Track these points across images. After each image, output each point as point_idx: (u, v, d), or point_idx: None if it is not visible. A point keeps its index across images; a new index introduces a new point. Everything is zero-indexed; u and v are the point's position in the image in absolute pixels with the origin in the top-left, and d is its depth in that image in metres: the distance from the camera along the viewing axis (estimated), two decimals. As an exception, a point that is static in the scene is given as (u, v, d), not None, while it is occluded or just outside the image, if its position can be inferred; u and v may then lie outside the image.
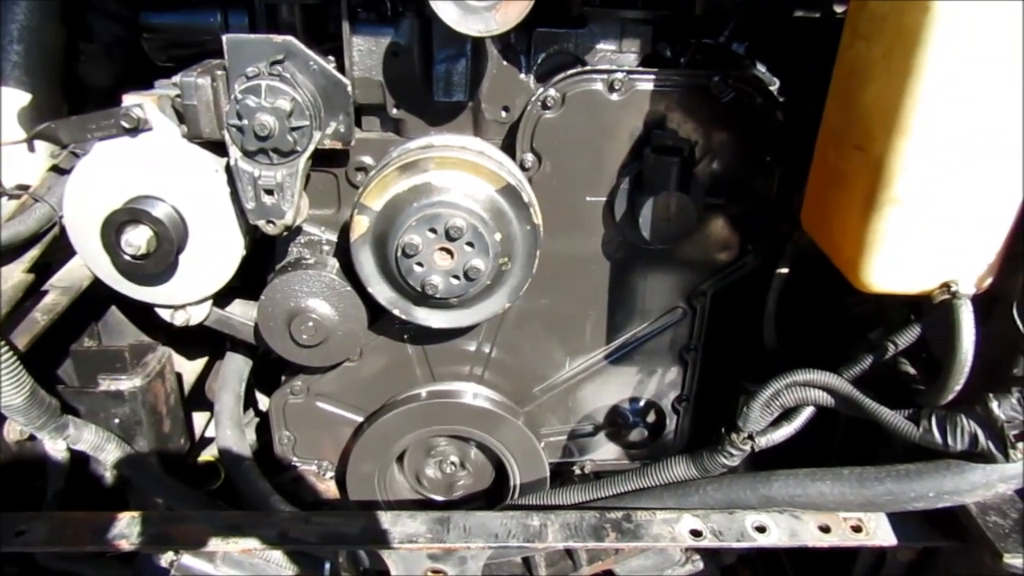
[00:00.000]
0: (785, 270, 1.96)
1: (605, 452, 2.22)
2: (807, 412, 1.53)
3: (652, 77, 1.70)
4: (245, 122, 1.56)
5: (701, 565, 2.16)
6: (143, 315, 2.08)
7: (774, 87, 1.80)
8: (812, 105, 1.61)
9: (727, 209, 1.87)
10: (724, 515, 1.45)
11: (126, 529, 1.34)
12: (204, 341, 2.34)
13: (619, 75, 1.68)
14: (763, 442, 1.52)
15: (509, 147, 1.78)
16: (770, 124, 1.75)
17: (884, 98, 1.18)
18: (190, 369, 2.50)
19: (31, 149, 2.09)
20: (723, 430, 1.58)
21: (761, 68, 1.86)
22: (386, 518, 1.39)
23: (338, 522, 1.37)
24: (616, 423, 2.15)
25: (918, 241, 1.23)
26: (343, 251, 1.85)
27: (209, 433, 2.49)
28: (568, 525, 1.41)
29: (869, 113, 1.22)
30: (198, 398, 2.47)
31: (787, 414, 1.54)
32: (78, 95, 2.23)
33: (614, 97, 1.71)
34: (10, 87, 2.03)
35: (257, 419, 2.56)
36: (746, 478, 1.51)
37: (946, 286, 1.27)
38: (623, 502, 1.65)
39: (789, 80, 1.83)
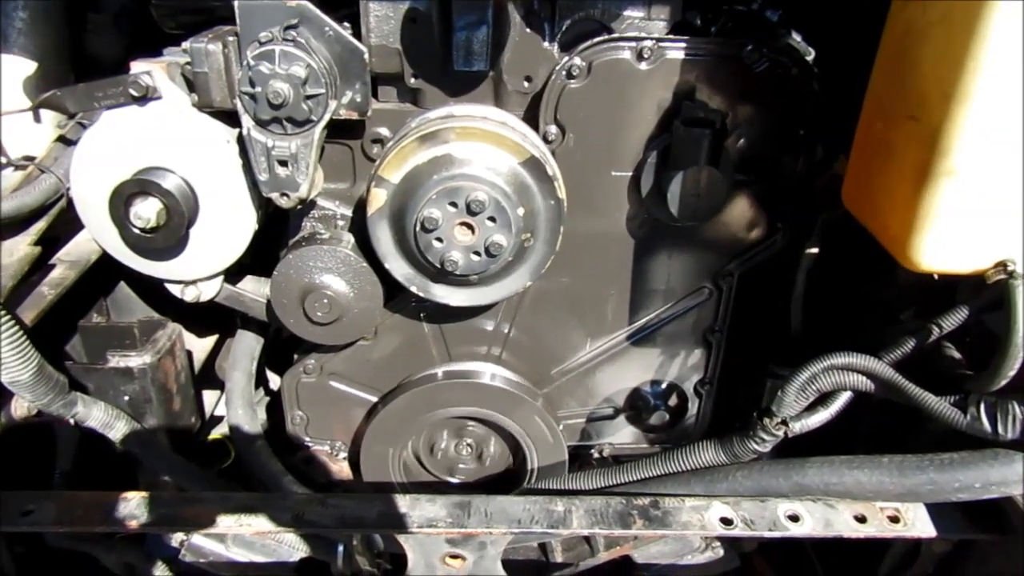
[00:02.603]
0: (815, 249, 1.89)
1: (624, 435, 2.16)
2: (844, 397, 1.46)
3: (683, 45, 1.62)
4: (258, 89, 1.50)
5: (721, 552, 2.11)
6: (153, 290, 2.03)
7: (810, 57, 1.72)
8: (853, 74, 1.54)
9: (757, 186, 1.80)
10: (755, 503, 1.39)
11: (136, 510, 1.29)
12: (214, 318, 2.29)
13: (648, 43, 1.60)
14: (797, 428, 1.46)
15: (531, 119, 1.70)
16: (805, 96, 1.67)
17: (942, 63, 1.10)
18: (200, 347, 2.46)
19: (37, 119, 2.05)
20: (755, 415, 1.52)
21: (796, 37, 1.77)
22: (405, 502, 1.34)
23: (355, 505, 1.33)
24: (636, 406, 2.09)
25: (974, 216, 1.16)
26: (358, 226, 1.79)
27: (219, 412, 2.45)
28: (593, 511, 1.35)
29: (924, 80, 1.14)
30: (208, 376, 2.43)
31: (823, 399, 1.47)
32: (86, 66, 2.18)
33: (642, 66, 1.63)
34: (15, 55, 1.97)
35: (268, 398, 2.52)
36: (778, 465, 1.44)
37: (1002, 265, 1.19)
38: (648, 487, 1.59)
39: (826, 49, 1.74)
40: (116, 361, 1.82)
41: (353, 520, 1.30)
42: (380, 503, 1.33)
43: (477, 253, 1.59)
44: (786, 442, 1.52)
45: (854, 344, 1.89)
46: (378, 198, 1.61)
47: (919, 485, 1.33)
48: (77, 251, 1.90)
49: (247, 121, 1.56)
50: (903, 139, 1.21)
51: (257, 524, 1.27)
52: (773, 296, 1.95)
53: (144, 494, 1.33)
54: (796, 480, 1.41)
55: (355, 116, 1.62)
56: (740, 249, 1.89)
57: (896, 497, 1.36)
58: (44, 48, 2.03)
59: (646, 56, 1.61)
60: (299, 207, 1.67)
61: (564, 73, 1.63)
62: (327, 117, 1.55)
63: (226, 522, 1.27)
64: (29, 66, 1.98)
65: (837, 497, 1.38)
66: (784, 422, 1.46)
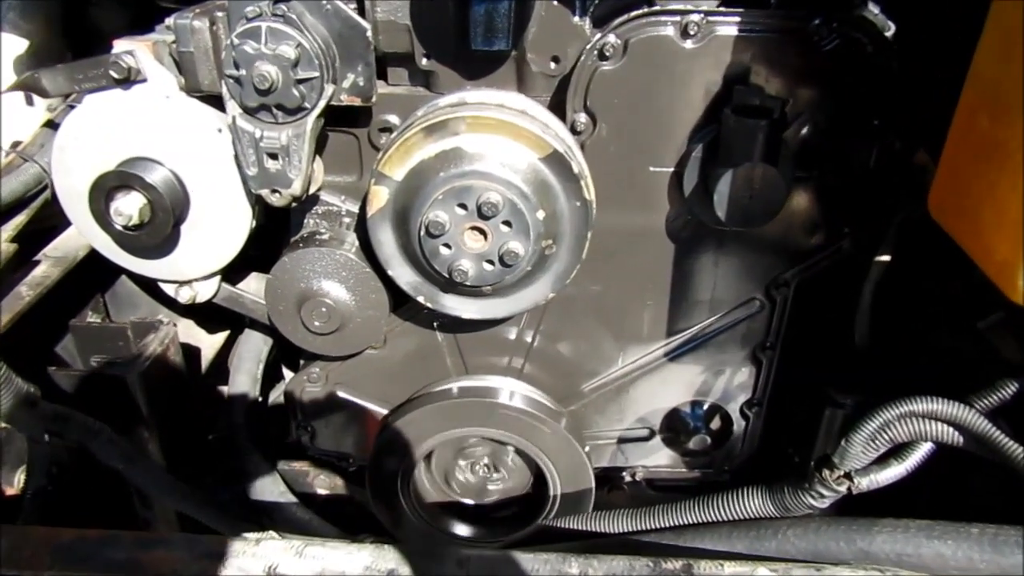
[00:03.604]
0: (887, 257, 1.64)
1: (659, 459, 1.95)
2: (923, 450, 1.22)
3: (736, 20, 1.38)
4: (243, 72, 1.33)
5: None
6: (155, 285, 1.89)
7: (889, 32, 1.45)
8: (944, 53, 1.28)
9: (821, 183, 1.55)
10: (809, 571, 1.16)
11: (92, 551, 1.14)
12: (228, 311, 2.15)
13: (695, 17, 1.37)
14: (864, 484, 1.22)
15: (558, 105, 1.49)
16: (882, 78, 1.42)
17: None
18: (212, 342, 2.33)
19: (29, 102, 1.91)
20: (813, 464, 1.28)
21: (873, 8, 1.51)
22: (394, 555, 1.16)
23: (337, 556, 1.15)
24: (674, 428, 1.88)
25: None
26: (364, 225, 1.60)
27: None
28: (614, 575, 1.15)
29: (1053, 63, 0.89)
30: (223, 370, 2.30)
31: (896, 450, 1.23)
32: (88, 42, 2.03)
33: (688, 45, 1.40)
34: (5, 31, 1.84)
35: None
36: (839, 525, 1.20)
37: None
38: (682, 536, 1.38)
39: (909, 22, 1.47)
40: (99, 367, 1.67)
41: (334, 575, 1.13)
42: (367, 555, 1.16)
43: (490, 262, 1.39)
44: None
45: (927, 365, 1.65)
46: (379, 197, 1.41)
47: (1020, 567, 1.08)
48: (65, 246, 1.77)
49: (233, 108, 1.40)
50: (1019, 137, 0.95)
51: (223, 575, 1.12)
52: (835, 309, 1.71)
53: (104, 533, 1.18)
54: (861, 547, 1.17)
55: (358, 102, 1.44)
56: (798, 256, 1.65)
57: (987, 578, 1.12)
58: (37, 24, 1.89)
59: (692, 32, 1.38)
60: (293, 205, 1.49)
61: (596, 53, 1.41)
62: (322, 104, 1.37)
63: (190, 571, 1.12)
64: (19, 44, 1.84)
65: (910, 570, 1.15)
66: (848, 476, 1.22)
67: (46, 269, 1.66)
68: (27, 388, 1.41)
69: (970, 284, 1.54)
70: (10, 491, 1.65)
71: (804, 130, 1.48)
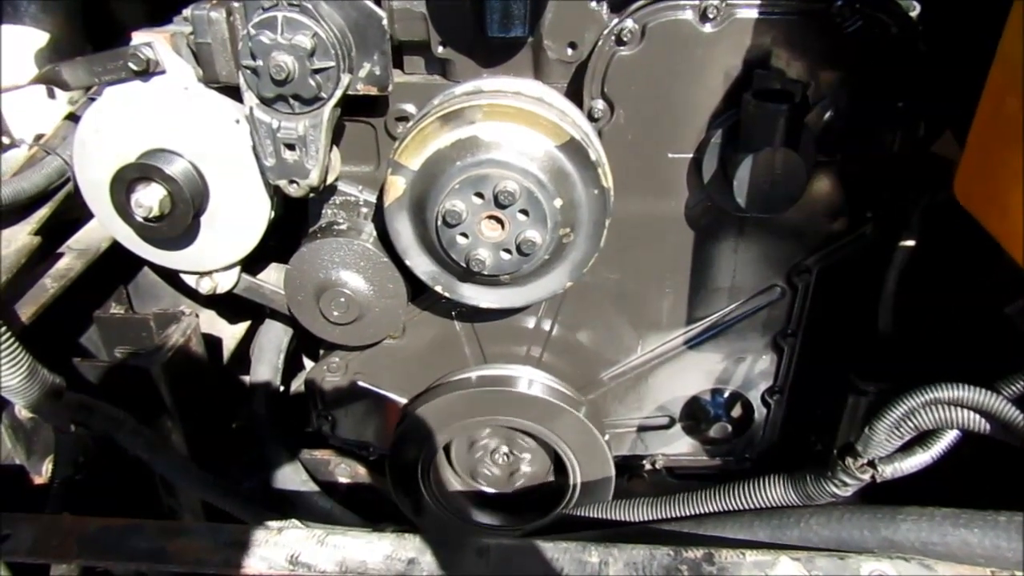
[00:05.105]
0: (911, 243, 1.61)
1: (680, 446, 1.94)
2: (948, 437, 1.20)
3: (756, 2, 1.36)
4: (260, 63, 1.33)
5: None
6: (177, 276, 1.91)
7: (914, 12, 1.42)
8: (970, 33, 1.25)
9: (844, 167, 1.53)
10: (832, 560, 1.16)
11: (116, 541, 1.16)
12: (249, 302, 2.16)
13: (714, 0, 1.35)
14: (888, 472, 1.20)
15: (576, 92, 1.47)
16: (907, 60, 1.39)
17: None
18: (233, 333, 2.34)
19: (51, 95, 1.93)
20: (836, 452, 1.27)
21: (898, -12, 1.48)
22: (416, 544, 1.17)
23: (358, 545, 1.16)
24: (695, 416, 1.87)
25: None
26: (382, 215, 1.60)
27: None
28: (634, 563, 1.15)
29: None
30: (244, 360, 2.32)
31: (921, 437, 1.21)
32: (109, 36, 2.05)
33: (707, 28, 1.38)
34: (25, 25, 1.85)
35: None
36: (863, 513, 1.19)
37: None
38: (703, 525, 1.37)
39: (936, 2, 1.44)
40: (123, 357, 1.69)
41: (355, 564, 1.13)
42: (387, 544, 1.16)
43: (507, 251, 1.39)
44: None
45: (952, 354, 1.62)
46: (396, 187, 1.41)
47: (1048, 555, 1.07)
48: (88, 239, 1.78)
49: (250, 98, 1.39)
50: (1049, 120, 0.93)
51: (247, 564, 1.13)
52: (858, 295, 1.69)
53: (128, 522, 1.20)
54: (885, 535, 1.15)
55: (374, 91, 1.43)
56: (820, 242, 1.63)
57: (1016, 566, 1.10)
58: (56, 18, 1.90)
59: (711, 16, 1.36)
60: (311, 195, 1.50)
61: (613, 38, 1.39)
62: (338, 94, 1.37)
63: (213, 560, 1.13)
64: (40, 38, 1.86)
65: (936, 559, 1.14)
66: (872, 464, 1.21)
67: (70, 261, 1.68)
68: (53, 379, 1.43)
69: (997, 269, 1.52)
70: (38, 480, 1.68)
71: (826, 114, 1.46)
